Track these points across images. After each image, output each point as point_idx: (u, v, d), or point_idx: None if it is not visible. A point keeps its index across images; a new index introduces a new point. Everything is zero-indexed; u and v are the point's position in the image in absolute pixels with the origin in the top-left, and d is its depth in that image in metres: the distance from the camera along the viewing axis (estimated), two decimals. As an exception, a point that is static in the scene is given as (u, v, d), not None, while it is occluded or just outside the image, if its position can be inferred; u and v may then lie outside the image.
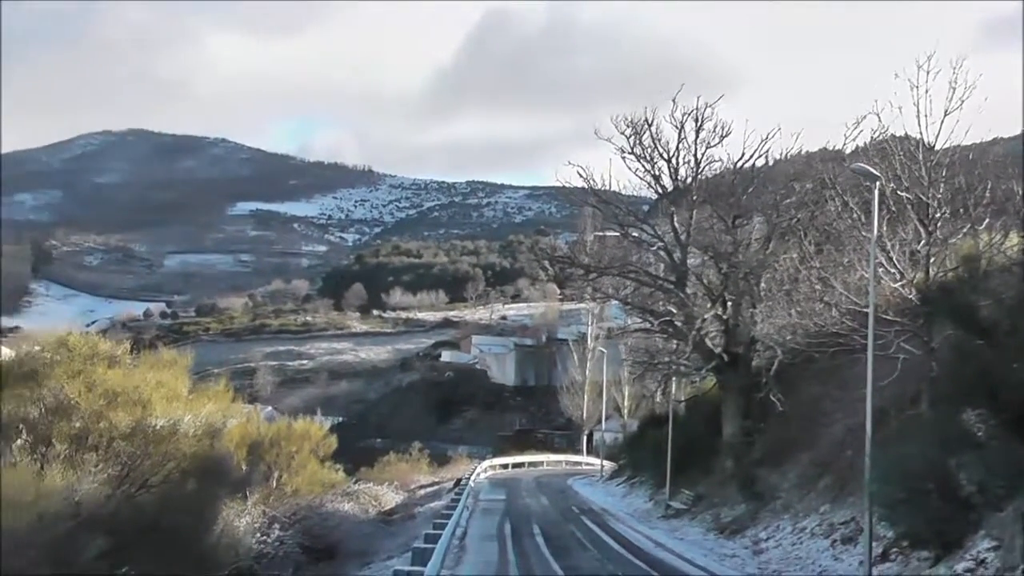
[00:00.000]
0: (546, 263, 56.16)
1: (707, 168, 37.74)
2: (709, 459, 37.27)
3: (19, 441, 24.04)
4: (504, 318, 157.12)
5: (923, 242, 23.84)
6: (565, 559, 25.93)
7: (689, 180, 37.70)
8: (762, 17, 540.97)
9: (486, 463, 64.07)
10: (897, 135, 25.94)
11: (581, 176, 38.21)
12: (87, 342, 29.58)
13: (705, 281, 37.44)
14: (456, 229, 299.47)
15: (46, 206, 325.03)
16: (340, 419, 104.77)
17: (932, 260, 23.76)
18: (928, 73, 23.17)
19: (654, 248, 39.26)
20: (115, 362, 28.75)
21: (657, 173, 37.87)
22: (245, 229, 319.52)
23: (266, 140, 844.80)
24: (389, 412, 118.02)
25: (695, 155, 37.07)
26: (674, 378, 41.53)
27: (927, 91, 23.33)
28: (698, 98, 36.56)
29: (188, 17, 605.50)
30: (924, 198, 23.81)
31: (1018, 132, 29.70)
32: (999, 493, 16.97)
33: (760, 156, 36.94)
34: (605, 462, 61.14)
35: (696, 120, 36.44)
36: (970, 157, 24.99)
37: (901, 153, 24.34)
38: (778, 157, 37.40)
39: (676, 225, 37.67)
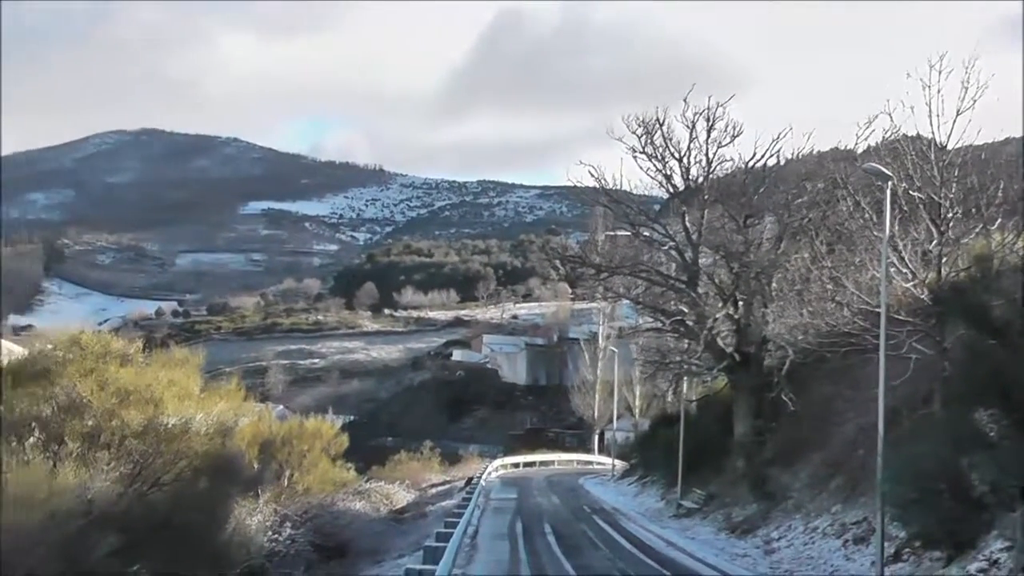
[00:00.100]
0: (557, 262, 56.38)
1: (718, 168, 37.80)
2: (721, 459, 37.23)
3: (32, 439, 24.08)
4: (515, 317, 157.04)
5: (935, 242, 23.76)
6: (576, 558, 25.93)
7: (700, 179, 37.70)
8: (773, 18, 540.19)
9: (497, 462, 64.21)
10: (909, 135, 25.87)
11: (592, 176, 38.31)
12: (99, 340, 29.59)
13: (717, 281, 37.38)
14: (467, 228, 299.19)
15: (59, 205, 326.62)
16: (351, 418, 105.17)
17: (944, 260, 23.64)
18: (940, 73, 23.11)
19: (665, 248, 39.19)
20: (127, 361, 28.75)
21: (668, 172, 37.91)
22: (257, 228, 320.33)
23: (278, 140, 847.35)
24: (400, 411, 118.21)
25: (706, 154, 37.12)
26: (686, 378, 41.52)
27: (939, 91, 23.27)
28: (709, 98, 36.60)
29: (200, 17, 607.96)
30: (936, 198, 23.73)
31: None
32: (1012, 493, 16.93)
33: (772, 156, 36.97)
34: (617, 461, 61.11)
35: (707, 120, 36.48)
36: (982, 157, 24.86)
37: (913, 153, 24.26)
38: (790, 157, 37.37)
39: (687, 224, 37.64)
